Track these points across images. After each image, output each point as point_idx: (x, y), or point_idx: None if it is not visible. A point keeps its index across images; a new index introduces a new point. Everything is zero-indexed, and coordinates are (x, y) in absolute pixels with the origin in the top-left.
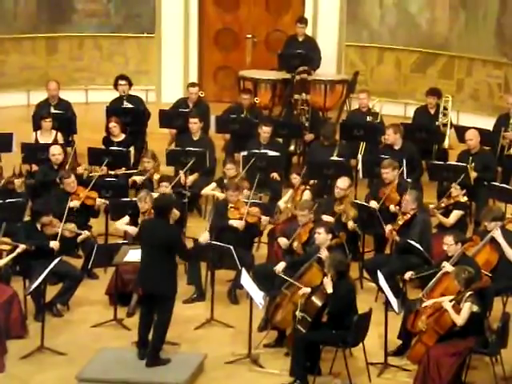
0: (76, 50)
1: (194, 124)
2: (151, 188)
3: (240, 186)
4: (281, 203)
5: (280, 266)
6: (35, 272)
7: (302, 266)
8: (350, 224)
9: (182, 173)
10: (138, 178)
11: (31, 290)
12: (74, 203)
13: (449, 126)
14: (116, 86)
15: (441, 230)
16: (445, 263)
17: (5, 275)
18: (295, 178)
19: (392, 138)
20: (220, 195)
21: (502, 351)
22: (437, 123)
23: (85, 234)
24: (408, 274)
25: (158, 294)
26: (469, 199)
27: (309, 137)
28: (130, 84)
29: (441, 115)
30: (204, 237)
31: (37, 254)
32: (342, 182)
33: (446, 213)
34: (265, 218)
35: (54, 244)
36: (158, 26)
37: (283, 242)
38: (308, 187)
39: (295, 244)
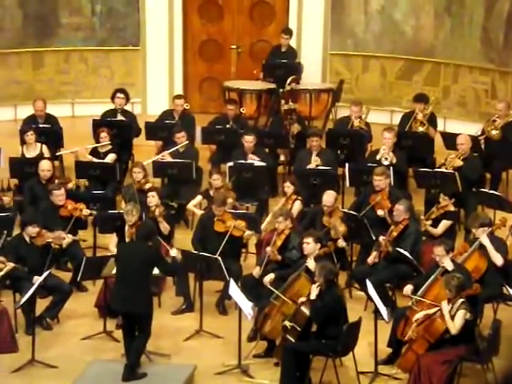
0: (62, 64)
1: (182, 137)
2: (142, 198)
3: (226, 201)
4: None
5: (268, 277)
6: (25, 286)
7: (290, 276)
8: (341, 243)
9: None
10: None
11: (21, 303)
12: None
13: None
14: (113, 98)
15: (429, 237)
16: (445, 262)
17: None
18: (288, 187)
19: (391, 142)
20: (199, 213)
21: (493, 358)
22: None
23: (69, 237)
24: (408, 291)
25: (138, 313)
26: (458, 206)
27: (295, 128)
28: (128, 98)
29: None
30: (256, 271)
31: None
32: (328, 198)
33: (435, 221)
34: (248, 233)
35: (36, 279)
36: (143, 39)
37: (255, 271)
38: (300, 198)
39: (269, 249)
